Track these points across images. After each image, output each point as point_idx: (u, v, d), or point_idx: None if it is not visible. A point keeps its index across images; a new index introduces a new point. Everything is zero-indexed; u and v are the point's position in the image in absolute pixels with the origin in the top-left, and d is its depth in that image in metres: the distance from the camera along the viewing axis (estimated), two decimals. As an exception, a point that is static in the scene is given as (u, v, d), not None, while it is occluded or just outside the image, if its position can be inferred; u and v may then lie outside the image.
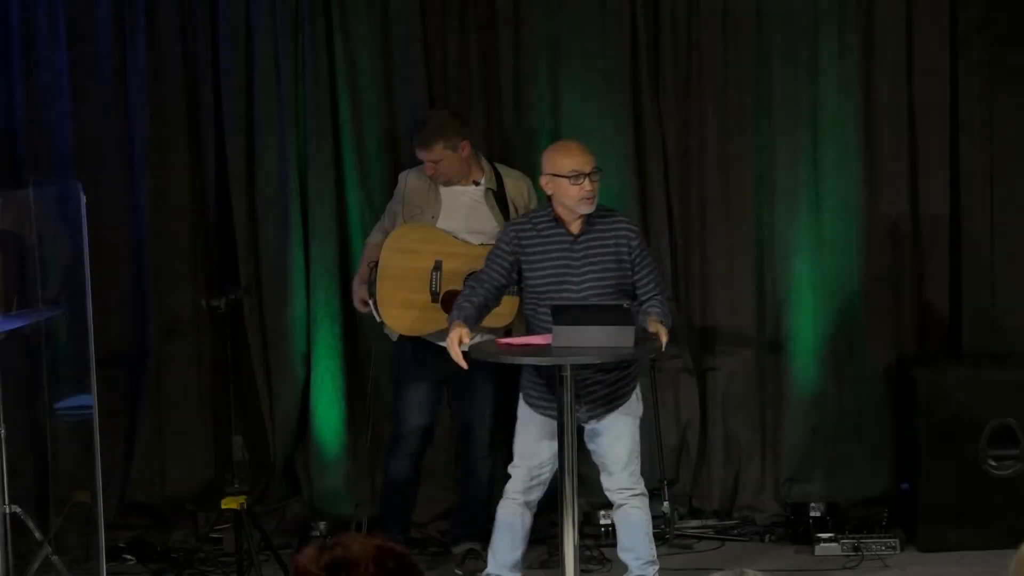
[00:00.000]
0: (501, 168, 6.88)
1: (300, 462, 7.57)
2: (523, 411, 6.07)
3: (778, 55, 7.45)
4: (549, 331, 5.78)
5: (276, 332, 7.50)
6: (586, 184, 5.85)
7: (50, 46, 7.39)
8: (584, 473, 7.52)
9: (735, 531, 7.36)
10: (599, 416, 5.99)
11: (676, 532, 7.21)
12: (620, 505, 6.08)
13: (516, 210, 6.73)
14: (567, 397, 5.72)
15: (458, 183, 6.68)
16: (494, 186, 6.73)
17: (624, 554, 6.16)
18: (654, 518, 7.32)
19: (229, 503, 6.58)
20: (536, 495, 6.08)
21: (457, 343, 5.75)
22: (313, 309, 7.45)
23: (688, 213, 7.54)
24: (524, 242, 5.94)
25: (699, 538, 7.29)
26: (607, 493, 6.14)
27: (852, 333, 7.50)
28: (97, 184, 7.21)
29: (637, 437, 6.09)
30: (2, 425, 6.12)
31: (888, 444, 7.49)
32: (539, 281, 5.93)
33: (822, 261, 7.50)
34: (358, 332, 7.47)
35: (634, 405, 6.07)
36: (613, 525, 6.37)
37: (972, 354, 7.49)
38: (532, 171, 7.34)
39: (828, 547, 6.97)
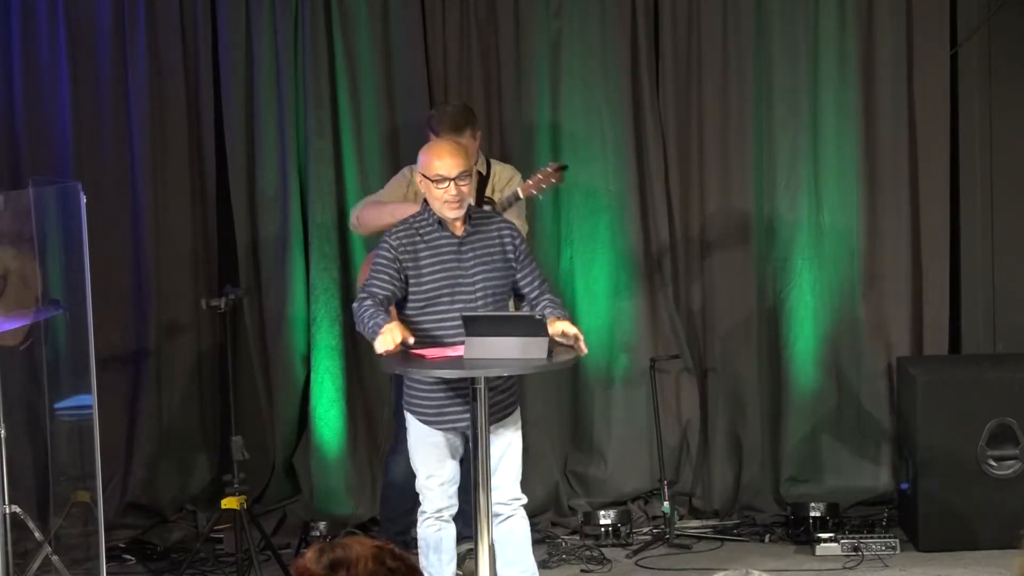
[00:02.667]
0: (495, 162, 6.90)
1: (300, 462, 7.57)
2: (418, 429, 5.79)
3: (778, 55, 7.45)
4: (444, 338, 5.65)
5: (276, 332, 7.50)
6: (451, 188, 5.65)
7: (50, 46, 7.39)
8: (584, 473, 7.56)
9: (735, 531, 7.37)
10: (494, 424, 5.73)
11: (676, 532, 7.21)
12: (507, 517, 5.82)
13: (495, 191, 6.71)
14: (481, 410, 5.53)
15: None
16: (483, 170, 6.72)
17: (508, 569, 5.83)
18: (653, 518, 7.37)
19: (229, 503, 6.58)
20: (455, 508, 5.84)
21: (398, 342, 5.49)
22: (313, 309, 7.45)
23: (688, 212, 7.55)
24: (409, 249, 5.70)
25: (699, 538, 7.29)
26: (495, 506, 5.75)
27: (852, 333, 7.50)
28: (97, 184, 7.23)
29: (522, 447, 5.90)
30: (2, 425, 6.12)
31: (888, 444, 7.50)
32: (429, 287, 5.71)
33: (822, 261, 7.50)
34: (358, 332, 7.47)
35: (519, 417, 5.88)
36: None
37: (972, 354, 7.50)
38: (532, 170, 7.36)
39: (828, 547, 6.97)
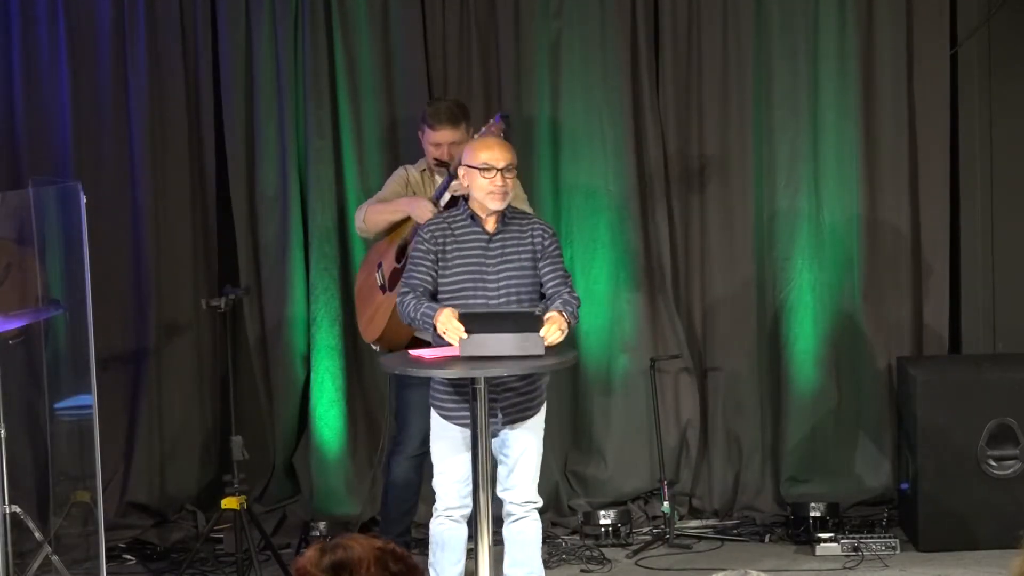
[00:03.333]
0: None
1: (300, 462, 7.56)
2: (438, 423, 5.82)
3: (778, 55, 7.45)
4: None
5: (276, 332, 7.50)
6: (497, 178, 5.71)
7: (50, 46, 7.39)
8: (584, 473, 7.56)
9: (735, 531, 7.36)
10: (511, 425, 5.75)
11: (676, 532, 7.21)
12: (519, 518, 5.82)
13: None
14: (480, 409, 5.53)
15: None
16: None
17: (514, 570, 5.85)
18: (653, 518, 7.37)
19: (229, 503, 6.58)
20: (467, 509, 5.82)
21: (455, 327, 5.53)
22: (313, 309, 7.45)
23: (688, 212, 7.55)
24: (440, 241, 5.77)
25: (699, 538, 7.29)
26: (508, 505, 5.81)
27: (852, 333, 7.50)
28: (97, 184, 7.23)
29: (542, 449, 5.88)
30: (2, 425, 6.12)
31: (888, 444, 7.50)
32: (454, 280, 5.76)
33: (822, 261, 7.50)
34: (358, 332, 7.47)
35: (541, 420, 5.85)
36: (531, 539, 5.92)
37: (972, 354, 7.49)
38: (532, 171, 7.37)
39: (828, 547, 6.97)
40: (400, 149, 7.36)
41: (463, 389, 5.70)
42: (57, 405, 6.76)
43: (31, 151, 7.40)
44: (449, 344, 5.61)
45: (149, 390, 7.48)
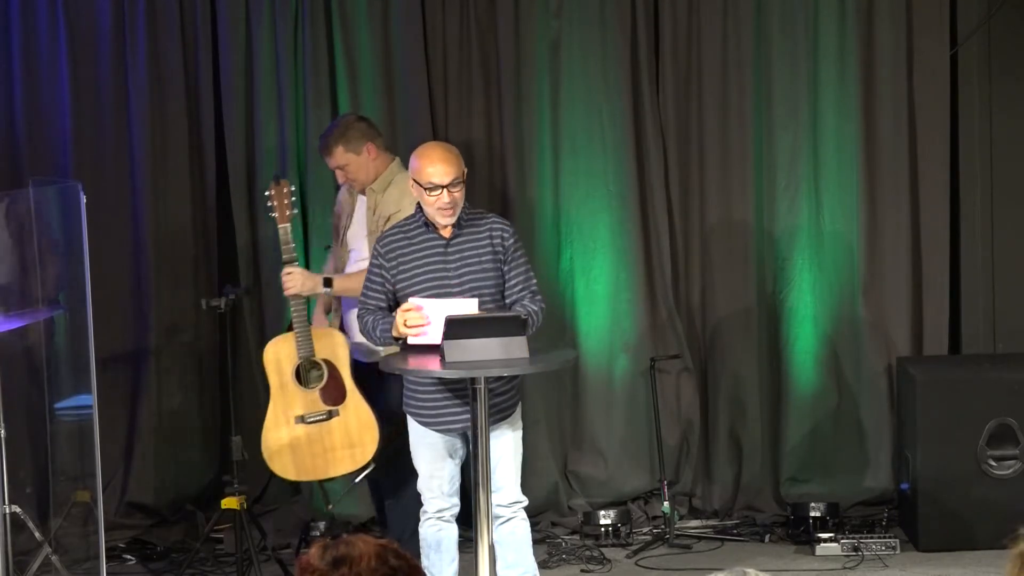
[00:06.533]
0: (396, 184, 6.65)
1: (300, 462, 7.56)
2: (417, 430, 5.79)
3: (778, 55, 7.45)
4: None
5: (276, 332, 7.48)
6: (443, 196, 5.59)
7: (50, 46, 7.39)
8: (584, 473, 7.56)
9: (735, 531, 7.37)
10: (493, 425, 5.67)
11: (676, 532, 7.21)
12: (508, 519, 5.79)
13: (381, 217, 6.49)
14: (480, 409, 5.50)
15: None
16: (382, 190, 6.55)
17: (509, 571, 5.80)
18: (653, 518, 7.37)
19: (229, 503, 6.58)
20: (456, 508, 5.83)
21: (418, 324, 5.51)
22: (313, 309, 7.43)
23: (688, 213, 7.55)
24: (395, 253, 5.69)
25: (699, 538, 7.30)
26: (495, 508, 5.72)
27: (852, 333, 7.50)
28: (97, 184, 7.23)
29: (522, 449, 5.88)
30: (2, 425, 6.13)
31: (888, 444, 7.50)
32: (417, 290, 5.66)
33: (822, 261, 7.50)
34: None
35: (518, 419, 5.82)
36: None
37: (972, 354, 7.50)
38: (532, 171, 7.37)
39: (828, 547, 6.97)
40: (400, 148, 7.34)
41: (446, 393, 5.68)
42: (57, 405, 6.77)
43: (31, 151, 7.40)
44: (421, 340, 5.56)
45: (149, 390, 7.48)
